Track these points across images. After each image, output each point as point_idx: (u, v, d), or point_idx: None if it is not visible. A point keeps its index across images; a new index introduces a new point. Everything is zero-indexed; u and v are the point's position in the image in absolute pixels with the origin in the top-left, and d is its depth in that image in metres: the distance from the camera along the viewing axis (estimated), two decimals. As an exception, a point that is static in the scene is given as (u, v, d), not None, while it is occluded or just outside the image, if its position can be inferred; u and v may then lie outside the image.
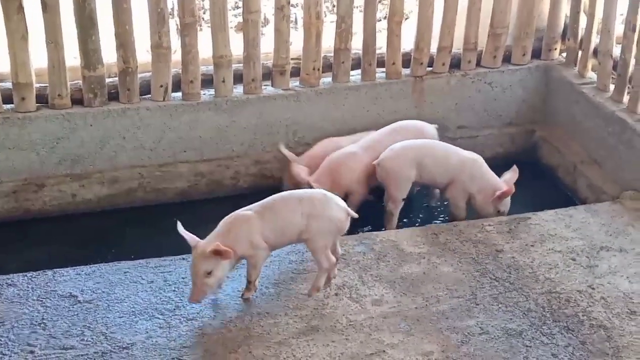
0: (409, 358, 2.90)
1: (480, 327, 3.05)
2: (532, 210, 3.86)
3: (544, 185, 4.43)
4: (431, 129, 4.20)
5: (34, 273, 3.35)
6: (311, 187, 3.69)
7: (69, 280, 3.31)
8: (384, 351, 2.93)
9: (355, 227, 3.94)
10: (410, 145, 3.95)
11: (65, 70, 3.99)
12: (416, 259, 3.46)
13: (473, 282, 3.32)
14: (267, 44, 4.33)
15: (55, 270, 3.38)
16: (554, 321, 3.09)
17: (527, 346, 2.96)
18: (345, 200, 3.44)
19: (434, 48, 4.49)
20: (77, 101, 4.08)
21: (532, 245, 3.55)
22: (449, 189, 3.94)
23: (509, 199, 3.89)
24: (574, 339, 2.99)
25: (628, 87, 4.09)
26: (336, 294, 3.23)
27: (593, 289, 3.27)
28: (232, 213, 3.21)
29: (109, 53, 4.11)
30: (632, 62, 4.02)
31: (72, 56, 4.09)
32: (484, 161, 3.95)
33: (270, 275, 3.35)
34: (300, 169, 3.92)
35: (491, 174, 3.92)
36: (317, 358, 2.89)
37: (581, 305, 3.17)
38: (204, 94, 4.24)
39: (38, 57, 4.00)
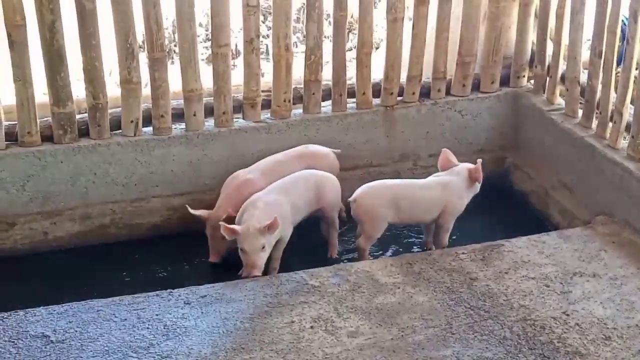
0: (386, 390, 2.89)
1: (456, 357, 3.03)
2: (505, 236, 3.85)
3: (516, 211, 4.45)
4: (330, 153, 4.24)
5: (5, 314, 3.29)
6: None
7: (41, 320, 3.26)
8: (360, 384, 2.92)
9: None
10: (387, 185, 3.95)
11: (34, 107, 3.96)
12: (391, 289, 3.45)
13: (448, 311, 3.31)
14: (238, 76, 4.32)
15: (27, 310, 3.32)
16: (529, 349, 3.08)
17: (503, 375, 2.96)
18: None
19: (403, 77, 4.51)
20: (47, 138, 4.05)
21: (506, 273, 3.55)
22: (442, 218, 3.94)
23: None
24: (550, 366, 3.00)
25: (596, 113, 4.13)
26: (312, 327, 3.21)
27: (567, 315, 3.26)
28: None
29: (78, 88, 4.10)
30: (599, 87, 4.07)
31: (42, 92, 4.07)
32: (458, 172, 3.99)
33: (244, 309, 3.32)
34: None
35: (458, 171, 3.98)
36: (294, 393, 2.88)
37: (556, 332, 3.17)
38: (175, 128, 4.23)
39: (6, 94, 3.97)
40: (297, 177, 3.95)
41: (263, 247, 3.64)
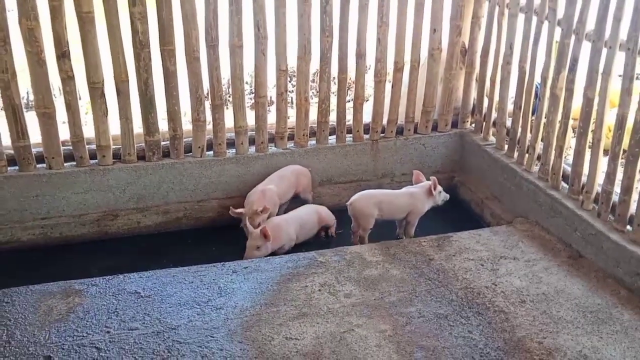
0: (370, 334, 2.88)
1: (419, 312, 3.04)
2: (453, 230, 3.85)
3: (461, 214, 4.44)
4: (307, 171, 4.23)
5: (110, 276, 3.32)
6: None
7: (134, 281, 3.29)
8: (352, 329, 2.92)
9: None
10: (373, 193, 3.94)
11: (133, 136, 3.99)
12: (374, 265, 3.46)
13: (413, 281, 3.31)
14: (272, 117, 4.33)
15: (125, 274, 3.35)
16: (469, 308, 3.09)
17: (451, 325, 2.96)
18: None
19: (385, 121, 4.51)
20: (141, 157, 4.07)
21: (453, 255, 3.55)
22: (409, 216, 3.93)
23: (442, 194, 3.99)
24: (483, 320, 2.99)
25: (517, 147, 4.13)
26: (319, 290, 3.22)
27: (495, 285, 3.27)
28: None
29: (163, 124, 4.12)
30: (519, 130, 4.07)
31: (138, 126, 4.09)
32: (422, 186, 3.98)
33: (274, 277, 3.33)
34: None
35: (422, 185, 3.98)
36: (307, 335, 2.88)
37: (487, 296, 3.17)
38: (229, 152, 4.23)
39: (114, 127, 4.00)
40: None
41: (258, 248, 3.58)
